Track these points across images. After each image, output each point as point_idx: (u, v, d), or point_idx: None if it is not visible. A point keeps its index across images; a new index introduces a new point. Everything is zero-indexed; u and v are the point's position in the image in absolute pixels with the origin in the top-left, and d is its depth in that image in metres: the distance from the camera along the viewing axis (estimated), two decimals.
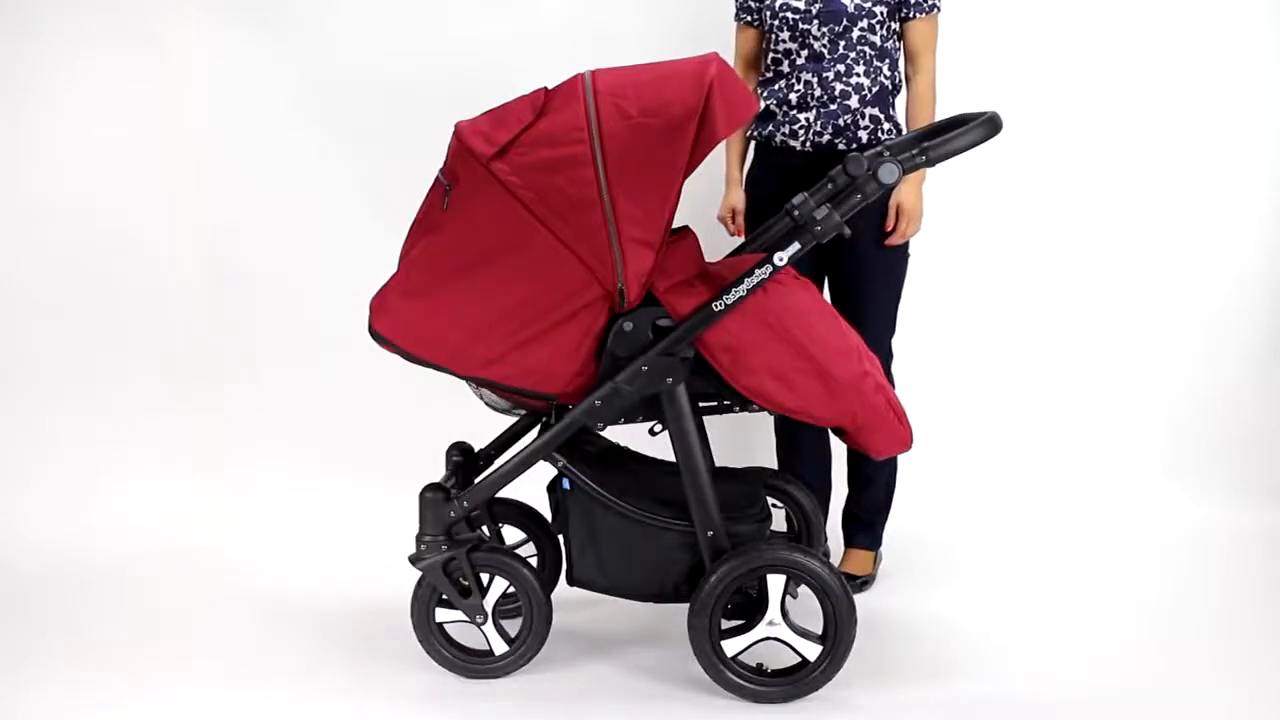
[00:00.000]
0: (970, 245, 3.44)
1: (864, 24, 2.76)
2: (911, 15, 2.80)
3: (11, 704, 2.47)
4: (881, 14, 2.78)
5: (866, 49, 2.78)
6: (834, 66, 2.78)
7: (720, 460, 2.60)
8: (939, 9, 2.83)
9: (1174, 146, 3.49)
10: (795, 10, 2.79)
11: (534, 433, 2.53)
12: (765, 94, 2.87)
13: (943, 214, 2.83)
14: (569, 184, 2.20)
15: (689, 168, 2.21)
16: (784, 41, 2.82)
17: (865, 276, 2.87)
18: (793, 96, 2.82)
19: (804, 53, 2.81)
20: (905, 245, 2.87)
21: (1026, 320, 3.59)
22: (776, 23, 2.81)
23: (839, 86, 2.78)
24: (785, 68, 2.84)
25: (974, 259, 3.49)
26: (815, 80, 2.80)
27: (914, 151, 2.28)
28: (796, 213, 2.30)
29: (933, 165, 2.31)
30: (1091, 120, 3.48)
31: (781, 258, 2.28)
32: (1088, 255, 3.55)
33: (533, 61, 3.26)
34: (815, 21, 2.77)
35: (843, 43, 2.77)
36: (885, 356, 2.89)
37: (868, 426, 2.38)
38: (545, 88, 2.25)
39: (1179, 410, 3.58)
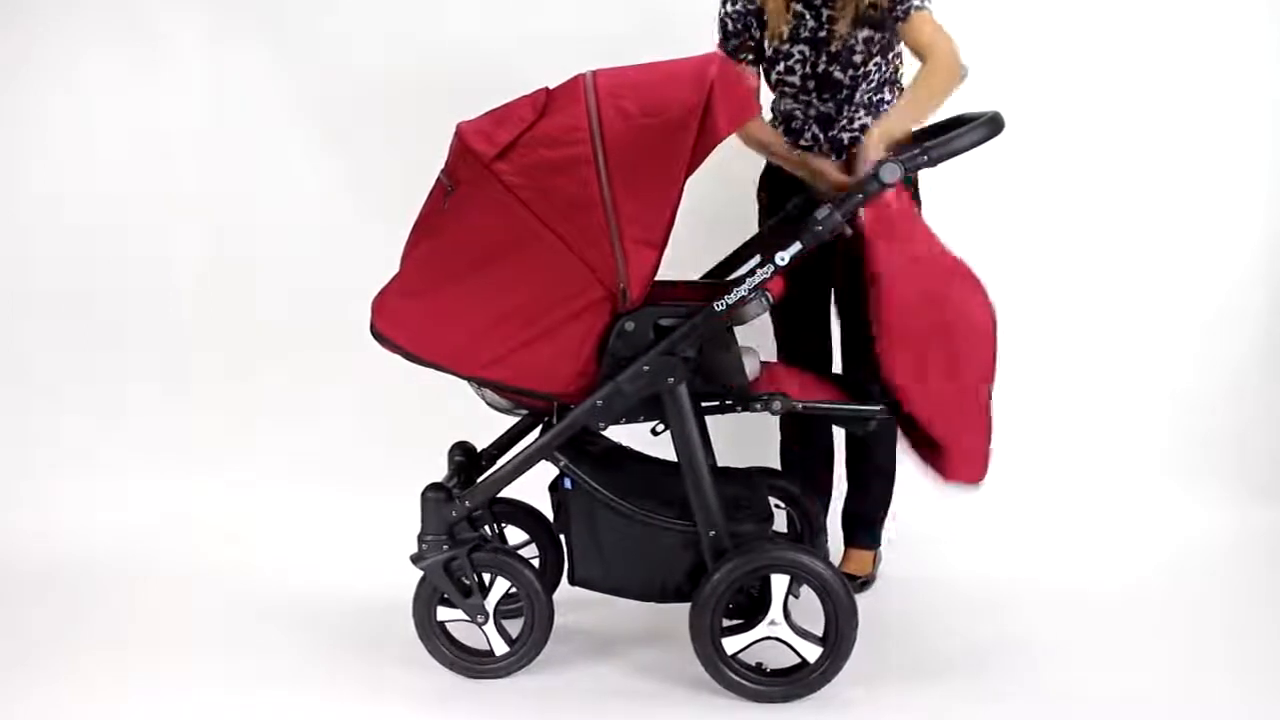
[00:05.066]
0: (971, 246, 3.42)
1: (863, 86, 2.69)
2: (902, 17, 2.60)
3: (11, 704, 2.47)
4: (876, 67, 2.68)
5: (869, 97, 2.71)
6: (839, 122, 2.72)
7: (724, 460, 2.60)
8: (922, 8, 2.60)
9: (1175, 148, 3.49)
10: (791, 85, 2.73)
11: (536, 432, 2.53)
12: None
13: (944, 215, 2.83)
14: (570, 184, 2.20)
15: (690, 167, 2.21)
16: (788, 101, 2.77)
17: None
18: (801, 142, 2.77)
19: (810, 112, 2.74)
20: None
21: (1028, 321, 3.56)
22: (780, 87, 2.76)
23: (847, 137, 2.72)
24: (796, 124, 2.77)
25: (975, 260, 3.48)
26: (823, 136, 2.74)
27: (916, 151, 2.28)
28: (799, 212, 2.30)
29: (934, 165, 2.32)
30: (1092, 122, 3.48)
31: (783, 257, 2.28)
32: (1089, 257, 3.55)
33: (533, 61, 3.25)
34: (813, 94, 2.71)
35: (847, 106, 2.71)
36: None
37: (959, 451, 2.41)
38: (546, 88, 2.25)
39: (1180, 410, 3.57)
